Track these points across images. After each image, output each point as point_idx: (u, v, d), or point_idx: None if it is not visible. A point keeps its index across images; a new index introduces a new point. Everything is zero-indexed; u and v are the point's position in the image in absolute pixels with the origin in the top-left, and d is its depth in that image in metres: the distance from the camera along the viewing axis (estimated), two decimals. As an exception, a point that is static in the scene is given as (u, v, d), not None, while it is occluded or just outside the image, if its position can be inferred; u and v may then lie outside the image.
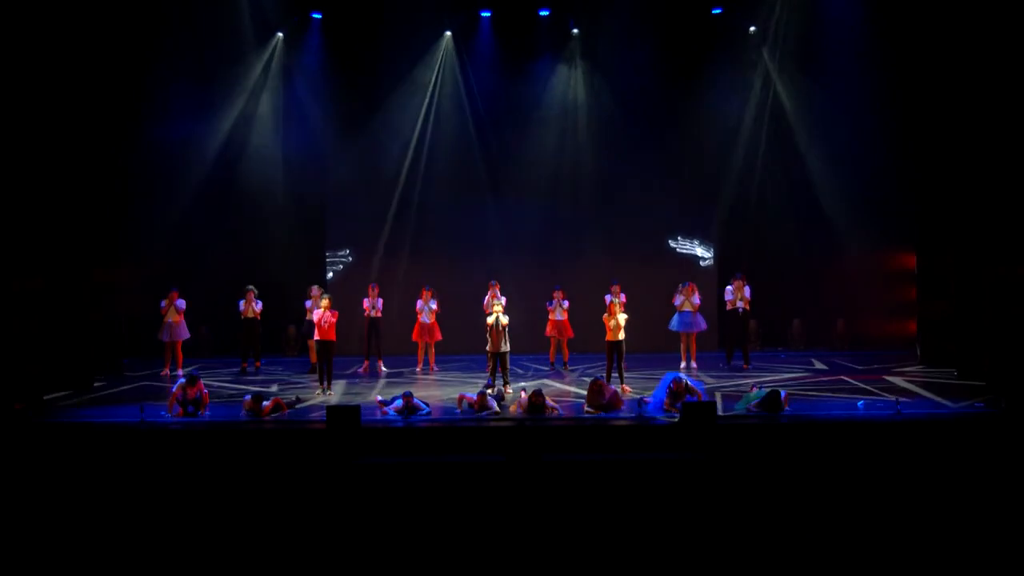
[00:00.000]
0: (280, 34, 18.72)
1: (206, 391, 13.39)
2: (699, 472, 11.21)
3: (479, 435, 12.31)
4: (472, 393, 13.47)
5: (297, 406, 13.72)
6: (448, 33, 18.83)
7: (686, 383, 13.16)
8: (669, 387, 13.14)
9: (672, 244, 19.29)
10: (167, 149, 18.00)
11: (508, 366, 15.00)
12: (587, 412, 13.08)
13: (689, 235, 19.25)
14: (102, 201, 16.52)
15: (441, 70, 18.88)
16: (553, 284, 17.29)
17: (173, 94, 17.83)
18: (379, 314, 17.14)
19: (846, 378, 15.50)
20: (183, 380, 13.31)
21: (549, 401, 13.19)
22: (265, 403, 13.11)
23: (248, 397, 13.21)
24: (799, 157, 18.85)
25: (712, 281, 18.65)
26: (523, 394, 13.31)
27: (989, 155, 14.71)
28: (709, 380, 15.31)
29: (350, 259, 19.26)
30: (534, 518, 10.33)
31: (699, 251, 19.29)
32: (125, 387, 15.65)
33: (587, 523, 10.18)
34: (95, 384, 15.62)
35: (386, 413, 13.13)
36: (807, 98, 18.61)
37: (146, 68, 17.28)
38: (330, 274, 19.16)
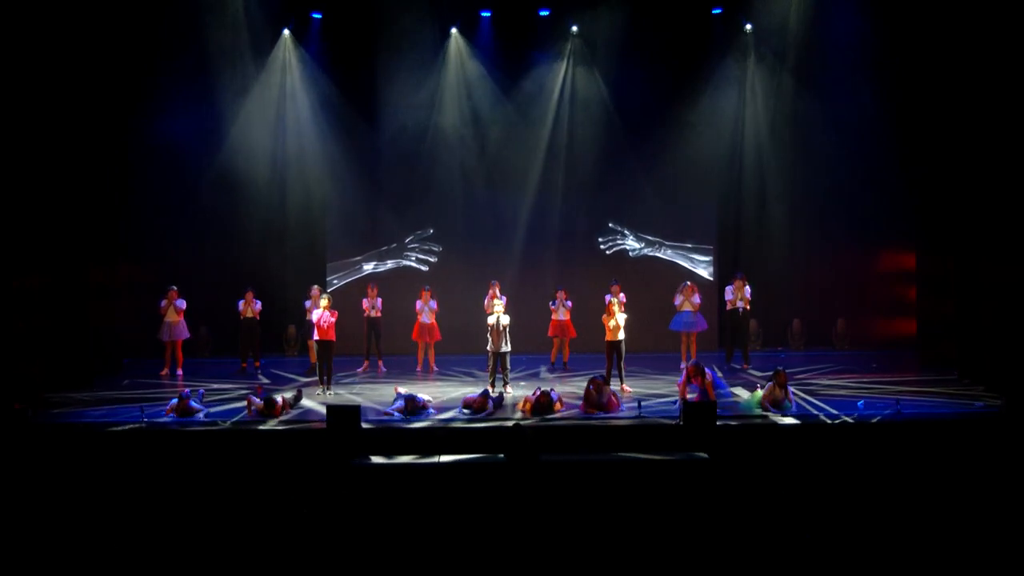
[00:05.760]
0: (287, 31, 18.65)
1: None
2: (700, 472, 11.22)
3: (479, 435, 12.32)
4: (474, 394, 13.50)
5: (297, 403, 13.81)
6: (453, 30, 18.76)
7: (711, 378, 13.23)
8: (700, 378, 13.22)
9: (600, 241, 19.06)
10: (167, 149, 17.93)
11: (508, 366, 14.99)
12: (587, 412, 13.09)
13: (624, 225, 18.91)
14: (102, 200, 16.50)
15: (442, 69, 18.83)
16: (555, 284, 17.26)
17: (173, 94, 17.76)
18: (378, 314, 17.12)
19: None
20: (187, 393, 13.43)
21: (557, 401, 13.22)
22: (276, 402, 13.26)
23: (258, 400, 13.26)
24: (799, 156, 18.80)
25: (711, 282, 18.64)
26: (538, 391, 13.27)
27: (989, 156, 14.71)
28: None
29: (439, 249, 19.06)
30: (534, 518, 10.32)
31: (629, 242, 19.08)
32: (125, 387, 15.62)
33: (587, 524, 10.17)
34: (95, 384, 15.59)
35: (390, 415, 13.15)
36: (807, 98, 18.56)
37: (146, 67, 17.25)
38: (424, 268, 18.98)
